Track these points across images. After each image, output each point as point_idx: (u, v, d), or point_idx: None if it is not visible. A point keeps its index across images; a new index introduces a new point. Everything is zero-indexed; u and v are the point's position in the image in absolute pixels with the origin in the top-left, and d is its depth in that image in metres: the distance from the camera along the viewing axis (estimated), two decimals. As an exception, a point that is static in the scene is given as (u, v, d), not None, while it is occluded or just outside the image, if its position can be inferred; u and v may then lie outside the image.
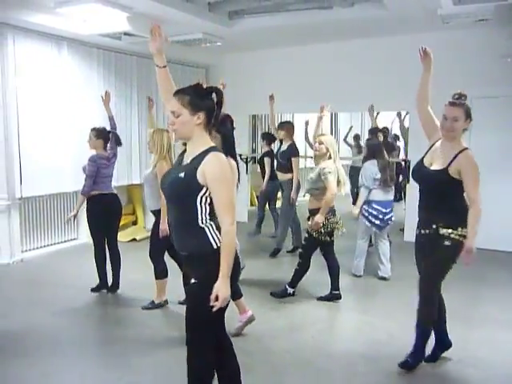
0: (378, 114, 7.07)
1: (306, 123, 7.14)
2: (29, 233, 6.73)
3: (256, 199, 9.22)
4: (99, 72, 7.28)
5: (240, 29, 6.76)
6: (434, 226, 3.28)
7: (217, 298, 2.29)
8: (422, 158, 3.44)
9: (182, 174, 2.37)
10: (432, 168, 3.31)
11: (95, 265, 5.11)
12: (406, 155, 7.95)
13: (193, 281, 2.46)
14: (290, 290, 4.95)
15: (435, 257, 3.32)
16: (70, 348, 3.91)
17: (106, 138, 5.05)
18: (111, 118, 5.25)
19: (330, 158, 4.66)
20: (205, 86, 2.46)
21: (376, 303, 4.96)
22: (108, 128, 5.15)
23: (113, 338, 4.11)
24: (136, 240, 7.41)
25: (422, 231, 3.39)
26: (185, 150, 2.51)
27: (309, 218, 4.76)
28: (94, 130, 5.05)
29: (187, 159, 2.43)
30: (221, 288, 2.30)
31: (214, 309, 2.29)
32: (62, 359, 3.70)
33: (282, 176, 6.56)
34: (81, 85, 6.98)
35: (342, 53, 7.65)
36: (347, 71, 7.62)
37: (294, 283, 4.95)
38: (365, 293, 5.28)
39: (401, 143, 9.38)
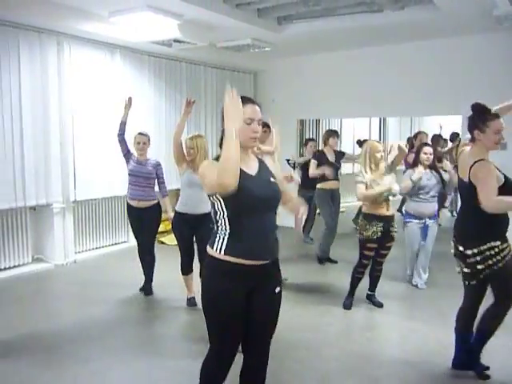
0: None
1: (358, 142, 7.03)
2: (82, 235, 6.95)
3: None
4: (150, 78, 7.44)
5: (289, 34, 6.76)
6: None
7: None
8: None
9: (274, 180, 2.47)
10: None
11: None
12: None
13: (278, 289, 2.51)
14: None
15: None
16: (119, 347, 3.99)
17: None
18: (123, 123, 5.21)
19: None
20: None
21: (424, 311, 4.82)
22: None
23: (161, 337, 4.20)
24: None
25: None
26: None
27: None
28: (146, 135, 5.16)
29: (264, 168, 2.50)
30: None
31: None
32: (113, 357, 3.78)
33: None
34: (132, 91, 7.13)
35: (392, 56, 7.52)
36: (397, 75, 7.47)
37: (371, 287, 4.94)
38: (411, 300, 5.15)
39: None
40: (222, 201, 2.33)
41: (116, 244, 7.43)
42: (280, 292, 2.51)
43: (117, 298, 5.15)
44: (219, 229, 2.39)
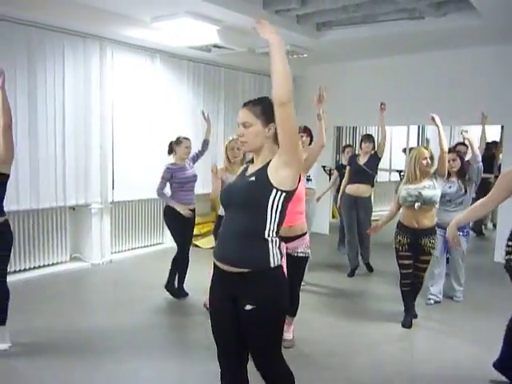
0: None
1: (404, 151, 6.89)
2: (118, 235, 7.08)
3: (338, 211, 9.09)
4: (189, 83, 7.54)
5: (328, 40, 6.75)
6: None
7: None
8: None
9: (253, 178, 2.26)
10: None
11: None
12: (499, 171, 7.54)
13: (249, 307, 2.22)
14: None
15: None
16: (151, 348, 4.05)
17: None
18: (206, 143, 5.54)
19: None
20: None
21: (459, 324, 4.70)
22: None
23: (192, 340, 4.23)
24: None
25: None
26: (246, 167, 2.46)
27: None
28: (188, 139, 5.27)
29: (252, 170, 2.34)
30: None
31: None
32: (145, 358, 3.83)
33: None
34: (171, 95, 7.26)
35: (432, 63, 7.40)
36: (436, 82, 7.36)
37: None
38: (447, 312, 5.03)
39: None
40: None
41: (151, 245, 7.54)
42: (253, 311, 2.22)
43: (151, 299, 5.23)
44: None
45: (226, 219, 2.34)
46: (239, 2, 5.39)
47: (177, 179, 5.07)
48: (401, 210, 4.54)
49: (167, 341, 4.27)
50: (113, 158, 6.63)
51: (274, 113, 2.14)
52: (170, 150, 5.27)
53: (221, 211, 4.68)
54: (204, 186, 7.29)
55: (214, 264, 2.36)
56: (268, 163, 2.24)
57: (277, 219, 2.25)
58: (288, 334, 3.98)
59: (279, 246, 2.30)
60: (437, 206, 4.48)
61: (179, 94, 7.42)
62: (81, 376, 3.56)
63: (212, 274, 2.41)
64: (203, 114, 5.74)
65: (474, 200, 4.79)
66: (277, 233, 2.28)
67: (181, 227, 5.12)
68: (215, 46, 6.59)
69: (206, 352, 3.93)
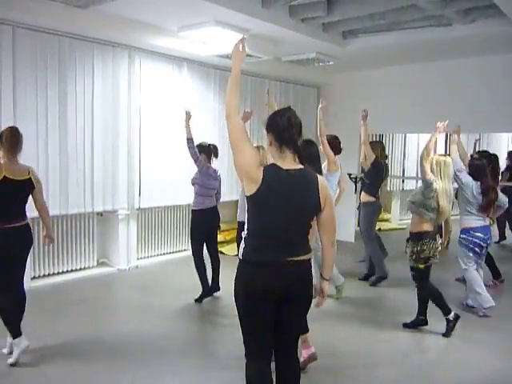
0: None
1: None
2: (144, 241, 7.16)
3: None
4: (215, 91, 7.60)
5: (353, 48, 6.74)
6: None
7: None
8: None
9: None
10: None
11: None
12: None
13: None
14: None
15: None
16: (176, 353, 4.07)
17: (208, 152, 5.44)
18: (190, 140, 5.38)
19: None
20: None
21: (485, 335, 4.59)
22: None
23: (216, 346, 4.25)
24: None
25: None
26: None
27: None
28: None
29: None
30: None
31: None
32: (170, 363, 3.86)
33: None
34: (198, 103, 7.33)
35: (459, 70, 7.32)
36: (463, 89, 7.27)
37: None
38: (476, 323, 4.93)
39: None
40: None
41: (177, 252, 7.59)
42: None
43: (176, 305, 5.27)
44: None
45: None
46: (266, 10, 5.43)
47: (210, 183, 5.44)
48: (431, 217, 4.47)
49: (193, 346, 4.28)
50: (140, 165, 6.72)
51: (270, 122, 2.60)
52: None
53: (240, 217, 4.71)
54: (228, 193, 7.34)
55: None
56: None
57: (248, 219, 2.58)
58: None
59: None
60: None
61: (206, 101, 7.48)
62: (106, 380, 3.60)
63: None
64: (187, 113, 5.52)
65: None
66: (248, 231, 2.57)
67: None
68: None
69: (233, 358, 3.95)
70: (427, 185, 4.40)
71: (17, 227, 3.73)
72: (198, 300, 5.34)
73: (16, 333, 3.70)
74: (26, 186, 3.77)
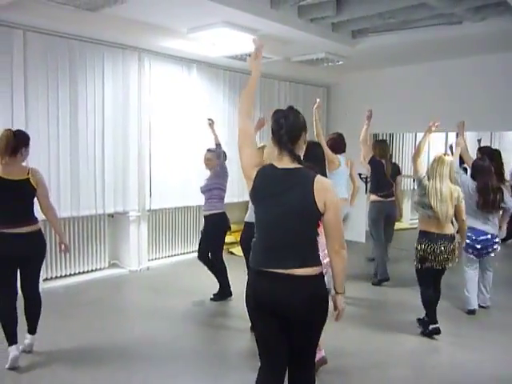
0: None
1: (450, 147, 6.77)
2: (155, 243, 7.18)
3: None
4: (225, 92, 7.62)
5: (363, 48, 6.70)
6: None
7: None
8: None
9: None
10: None
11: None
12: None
13: None
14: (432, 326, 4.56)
15: None
16: (188, 353, 4.09)
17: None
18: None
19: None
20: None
21: (494, 335, 4.56)
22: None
23: (228, 348, 4.26)
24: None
25: None
26: None
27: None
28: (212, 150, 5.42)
29: None
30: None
31: None
32: (182, 364, 3.88)
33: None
34: (207, 104, 7.34)
35: (470, 69, 7.26)
36: (475, 88, 7.21)
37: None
38: (490, 324, 4.89)
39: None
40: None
41: (188, 253, 7.60)
42: None
43: (187, 305, 5.29)
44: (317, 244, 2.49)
45: None
46: (275, 11, 5.42)
47: (223, 185, 5.47)
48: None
49: (205, 348, 4.29)
50: (150, 166, 6.75)
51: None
52: None
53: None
54: (239, 194, 7.34)
55: None
56: None
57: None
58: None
59: None
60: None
61: (216, 103, 7.49)
62: (118, 379, 3.62)
63: None
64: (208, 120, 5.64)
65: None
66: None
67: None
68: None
69: (244, 360, 3.95)
70: (418, 182, 4.47)
71: (23, 234, 3.65)
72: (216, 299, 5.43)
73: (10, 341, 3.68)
74: (24, 187, 3.69)
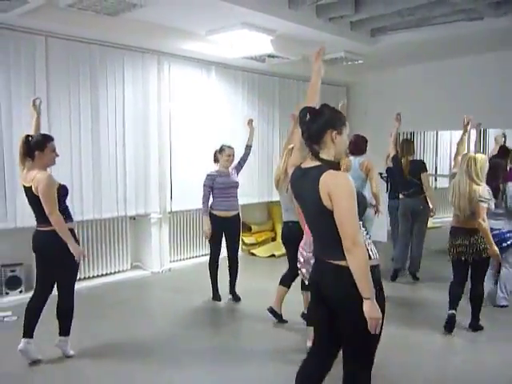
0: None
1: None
2: (177, 244, 7.22)
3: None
4: (244, 94, 7.64)
5: (382, 46, 6.66)
6: None
7: None
8: None
9: None
10: None
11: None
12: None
13: None
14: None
15: None
16: (209, 354, 4.12)
17: None
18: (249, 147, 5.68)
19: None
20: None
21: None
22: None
23: (249, 347, 4.24)
24: (275, 256, 7.55)
25: None
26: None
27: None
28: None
29: None
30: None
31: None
32: (204, 365, 3.91)
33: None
34: (226, 106, 7.37)
35: (492, 65, 7.14)
36: (498, 84, 7.09)
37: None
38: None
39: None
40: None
41: (209, 254, 7.61)
42: None
43: (208, 307, 5.32)
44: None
45: None
46: (293, 11, 5.42)
47: (218, 184, 5.28)
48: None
49: (228, 348, 4.28)
50: (170, 169, 6.80)
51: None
52: (215, 159, 5.47)
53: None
54: (260, 195, 7.35)
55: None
56: None
57: None
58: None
59: None
60: None
61: (234, 104, 7.52)
62: (142, 381, 3.65)
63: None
64: (249, 121, 5.81)
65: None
66: None
67: (217, 233, 5.39)
68: (269, 55, 6.64)
69: (269, 355, 3.95)
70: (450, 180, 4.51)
71: (41, 231, 3.75)
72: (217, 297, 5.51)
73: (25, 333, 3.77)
74: (29, 193, 3.72)
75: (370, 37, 6.56)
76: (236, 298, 5.48)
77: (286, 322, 4.70)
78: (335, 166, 2.40)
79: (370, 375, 2.49)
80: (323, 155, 2.40)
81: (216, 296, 5.48)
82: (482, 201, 4.20)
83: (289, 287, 4.65)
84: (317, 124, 2.39)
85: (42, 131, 4.50)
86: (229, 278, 5.52)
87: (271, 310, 4.71)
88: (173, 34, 6.01)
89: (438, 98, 7.71)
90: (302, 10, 5.47)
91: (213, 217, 5.32)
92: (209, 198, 5.32)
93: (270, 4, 5.21)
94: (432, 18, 5.85)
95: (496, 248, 4.29)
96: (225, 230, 5.41)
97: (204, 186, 5.30)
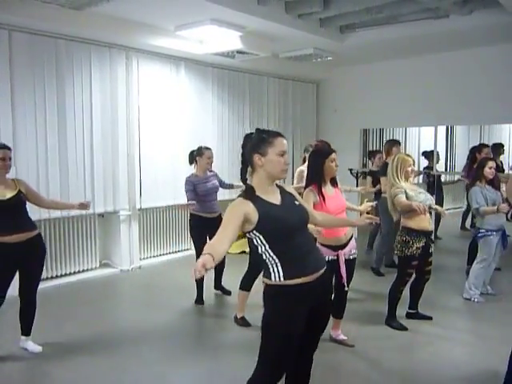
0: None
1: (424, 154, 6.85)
2: (147, 242, 7.16)
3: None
4: (213, 90, 7.60)
5: (351, 43, 6.72)
6: None
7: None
8: None
9: (298, 203, 2.59)
10: None
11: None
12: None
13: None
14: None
15: None
16: (180, 352, 4.07)
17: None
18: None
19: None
20: None
21: (490, 325, 4.59)
22: None
23: (220, 345, 4.24)
24: (245, 253, 7.54)
25: None
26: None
27: None
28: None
29: (286, 195, 2.58)
30: None
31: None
32: (173, 362, 3.87)
33: None
34: (196, 102, 7.32)
35: (458, 62, 7.28)
36: (463, 82, 7.24)
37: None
38: (479, 316, 4.93)
39: None
40: (261, 236, 2.40)
41: (179, 251, 7.59)
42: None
43: (179, 304, 5.27)
44: (267, 261, 2.44)
45: (301, 238, 2.49)
46: (262, 7, 5.41)
47: (199, 191, 5.13)
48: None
49: (196, 345, 4.28)
50: (140, 165, 6.71)
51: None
52: (191, 160, 5.34)
53: None
54: (228, 192, 7.33)
55: (296, 285, 2.41)
56: (289, 192, 2.61)
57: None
58: (342, 335, 4.22)
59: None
60: None
61: (204, 100, 7.47)
62: (110, 379, 3.61)
63: (289, 299, 2.42)
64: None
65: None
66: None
67: (204, 234, 5.06)
68: (239, 52, 6.62)
69: (234, 357, 3.95)
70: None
71: (23, 241, 3.64)
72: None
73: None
74: (16, 201, 3.63)
75: (339, 33, 6.62)
76: (225, 291, 5.47)
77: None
78: (248, 189, 2.49)
79: (269, 377, 2.50)
80: (254, 178, 2.53)
81: (200, 300, 5.28)
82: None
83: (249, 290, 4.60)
84: (246, 150, 2.57)
85: (6, 127, 4.40)
86: (214, 275, 5.47)
87: (237, 319, 4.65)
88: (141, 29, 5.93)
89: (407, 95, 7.82)
90: (270, 6, 5.48)
91: (196, 217, 5.20)
92: (194, 198, 5.11)
93: (238, 0, 5.20)
94: (400, 16, 5.94)
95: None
96: (208, 229, 5.04)
97: (187, 192, 5.10)
